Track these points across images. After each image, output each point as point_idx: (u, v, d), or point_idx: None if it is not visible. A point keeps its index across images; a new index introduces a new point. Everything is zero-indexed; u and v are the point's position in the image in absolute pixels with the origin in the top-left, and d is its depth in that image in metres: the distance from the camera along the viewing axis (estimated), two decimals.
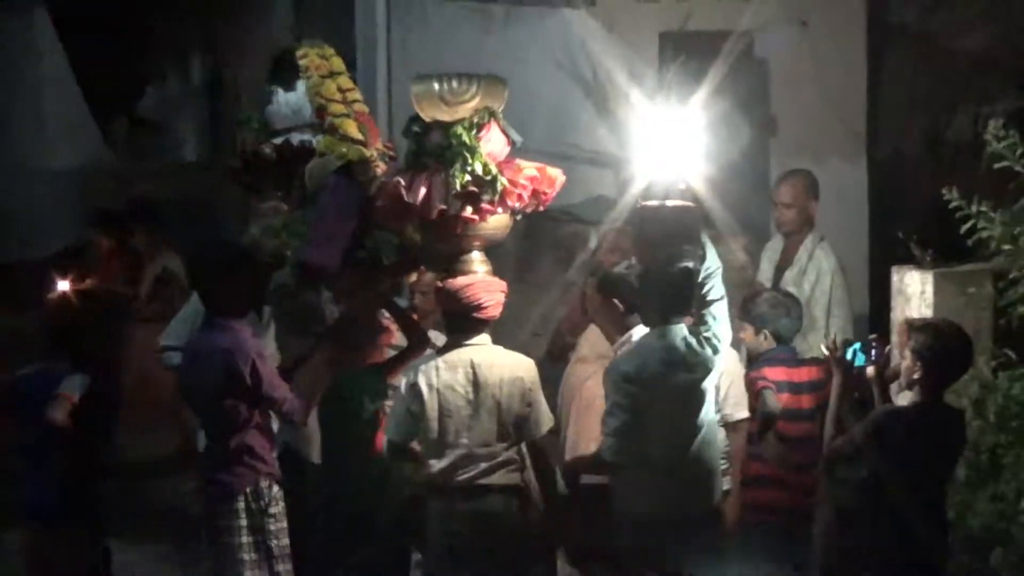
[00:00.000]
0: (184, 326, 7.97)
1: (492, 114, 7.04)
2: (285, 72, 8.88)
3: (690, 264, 6.49)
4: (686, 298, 6.52)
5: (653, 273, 6.59)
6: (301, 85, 8.74)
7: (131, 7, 11.80)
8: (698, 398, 6.50)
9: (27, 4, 11.65)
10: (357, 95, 8.45)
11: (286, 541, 6.92)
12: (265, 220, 9.05)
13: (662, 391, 6.36)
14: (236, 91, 11.22)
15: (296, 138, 8.73)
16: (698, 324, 6.56)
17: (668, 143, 7.06)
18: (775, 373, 7.08)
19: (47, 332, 7.30)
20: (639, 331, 6.87)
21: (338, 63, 8.54)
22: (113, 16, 11.81)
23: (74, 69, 11.86)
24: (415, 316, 7.70)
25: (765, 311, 7.28)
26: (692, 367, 6.44)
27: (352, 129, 8.29)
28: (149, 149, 12.38)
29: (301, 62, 8.47)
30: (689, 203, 6.84)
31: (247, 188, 9.35)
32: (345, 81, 8.45)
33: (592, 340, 7.48)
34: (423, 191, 6.89)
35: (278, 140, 8.80)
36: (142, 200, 10.38)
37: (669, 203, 6.78)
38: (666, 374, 6.38)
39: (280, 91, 8.94)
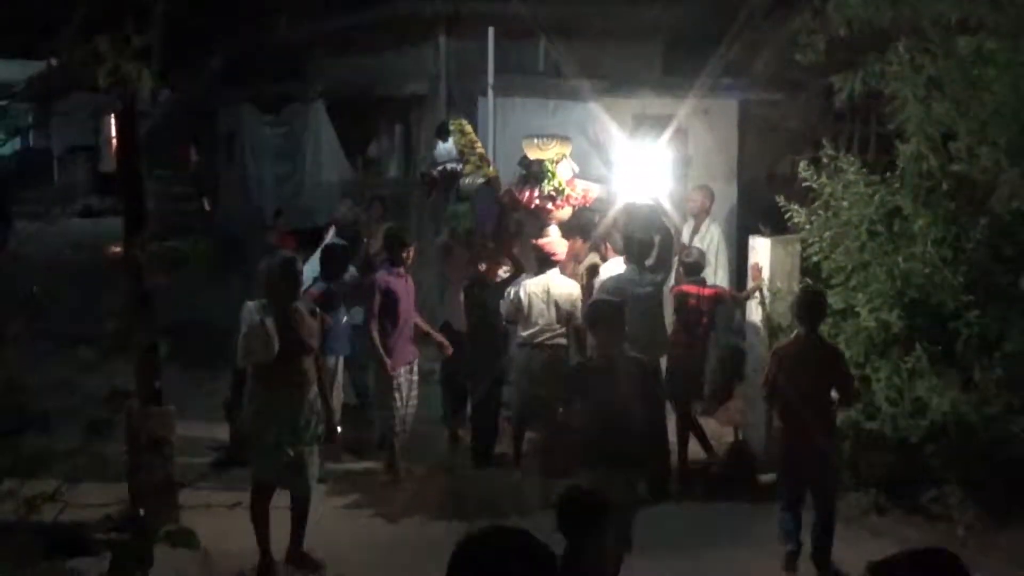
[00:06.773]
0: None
1: (564, 155, 7.14)
2: (443, 131, 8.91)
3: (652, 234, 6.46)
4: (648, 250, 6.48)
5: (632, 237, 6.56)
6: (450, 139, 8.83)
7: (364, 104, 11.68)
8: (653, 301, 6.47)
9: (313, 101, 11.80)
10: (479, 144, 8.59)
11: None
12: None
13: (632, 297, 6.19)
14: (419, 142, 11.09)
15: (448, 167, 8.76)
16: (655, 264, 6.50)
17: (638, 173, 7.17)
18: (690, 288, 6.85)
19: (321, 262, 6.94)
20: (614, 261, 6.81)
21: (468, 128, 8.69)
22: (357, 107, 11.74)
23: (337, 132, 11.89)
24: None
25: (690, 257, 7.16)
26: (649, 284, 6.44)
27: (475, 161, 8.43)
28: (374, 171, 12.17)
29: (450, 127, 8.72)
30: (652, 203, 6.86)
31: (425, 194, 9.44)
32: (473, 137, 8.59)
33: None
34: (527, 194, 7.04)
35: (439, 168, 8.86)
36: (381, 195, 9.94)
37: (640, 202, 6.82)
38: (634, 289, 6.31)
39: (440, 142, 8.95)
